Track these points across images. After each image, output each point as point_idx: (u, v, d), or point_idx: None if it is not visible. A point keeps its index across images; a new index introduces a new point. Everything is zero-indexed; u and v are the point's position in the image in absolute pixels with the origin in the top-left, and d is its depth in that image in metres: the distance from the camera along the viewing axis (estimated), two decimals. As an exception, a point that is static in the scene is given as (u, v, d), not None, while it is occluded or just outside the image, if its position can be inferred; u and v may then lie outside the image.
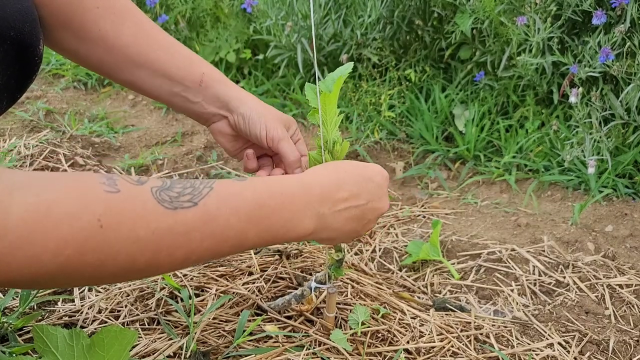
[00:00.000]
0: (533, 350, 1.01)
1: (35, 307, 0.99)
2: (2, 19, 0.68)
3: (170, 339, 0.92)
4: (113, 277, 0.55)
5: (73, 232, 0.49)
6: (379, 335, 0.98)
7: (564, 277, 1.22)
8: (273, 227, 0.65)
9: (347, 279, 1.13)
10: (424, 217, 1.49)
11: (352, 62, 0.86)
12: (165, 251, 0.56)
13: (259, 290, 1.06)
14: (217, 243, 0.60)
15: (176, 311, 0.99)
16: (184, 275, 1.08)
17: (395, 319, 1.03)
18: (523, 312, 1.13)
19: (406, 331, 1.00)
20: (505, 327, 1.07)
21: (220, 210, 0.59)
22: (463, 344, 0.99)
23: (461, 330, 1.03)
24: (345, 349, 0.91)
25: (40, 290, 0.99)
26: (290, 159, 0.86)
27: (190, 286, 1.04)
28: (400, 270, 1.26)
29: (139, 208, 0.54)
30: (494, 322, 1.09)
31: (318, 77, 0.85)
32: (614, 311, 1.13)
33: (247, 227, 0.62)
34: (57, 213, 0.48)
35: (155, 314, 0.98)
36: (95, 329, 0.95)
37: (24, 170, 0.54)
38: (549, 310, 1.14)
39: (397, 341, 0.97)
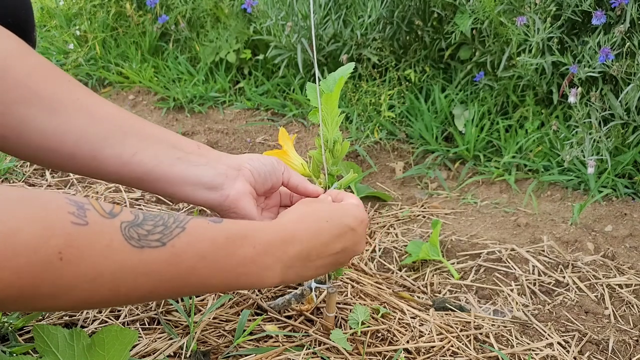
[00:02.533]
0: (533, 350, 1.01)
1: (35, 307, 1.00)
2: (2, 6, 0.71)
3: (171, 338, 0.93)
4: (64, 309, 0.53)
5: (30, 265, 0.47)
6: (379, 335, 0.99)
7: (564, 277, 1.22)
8: (239, 278, 0.63)
9: (347, 278, 1.13)
10: (424, 217, 1.49)
11: (354, 63, 0.86)
12: (123, 290, 0.54)
13: (259, 290, 1.06)
14: (177, 286, 0.59)
15: (176, 311, 0.99)
16: (184, 275, 1.08)
17: (395, 318, 1.03)
18: (523, 311, 1.13)
19: (406, 331, 1.01)
20: (505, 326, 1.07)
21: (187, 254, 0.58)
22: (463, 344, 1.00)
23: (461, 330, 1.03)
24: (345, 349, 0.92)
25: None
26: (304, 182, 0.83)
27: (191, 286, 1.04)
28: (400, 270, 1.27)
29: (104, 245, 0.52)
30: (493, 321, 1.09)
31: (318, 77, 0.85)
32: (613, 311, 1.13)
33: (212, 274, 0.61)
34: (16, 244, 0.47)
35: (156, 314, 0.98)
36: (95, 328, 0.95)
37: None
38: (548, 310, 1.14)
39: (397, 341, 0.98)
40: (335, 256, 0.74)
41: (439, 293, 1.19)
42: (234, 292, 1.04)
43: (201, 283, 0.60)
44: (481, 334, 1.04)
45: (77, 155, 0.69)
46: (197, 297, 1.03)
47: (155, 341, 0.92)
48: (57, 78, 0.68)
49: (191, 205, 1.40)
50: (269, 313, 0.99)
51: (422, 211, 1.51)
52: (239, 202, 0.77)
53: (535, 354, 1.00)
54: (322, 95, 0.84)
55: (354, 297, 1.08)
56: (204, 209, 1.39)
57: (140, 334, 0.94)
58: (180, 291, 0.60)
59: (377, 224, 1.45)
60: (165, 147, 0.73)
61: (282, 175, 0.82)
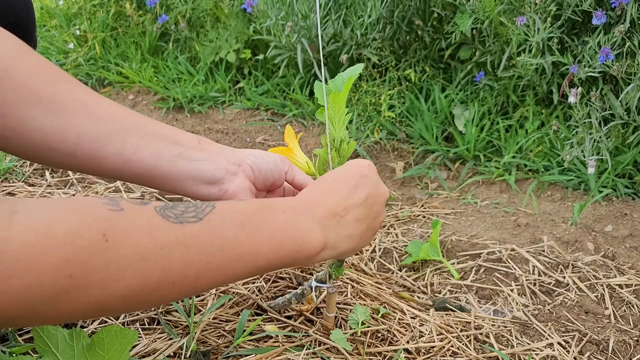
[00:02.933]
0: (533, 350, 1.01)
1: (35, 307, 0.99)
2: (1, 5, 0.71)
3: (171, 338, 0.93)
4: (120, 301, 0.51)
5: (76, 251, 0.47)
6: (379, 335, 0.99)
7: (564, 277, 1.22)
8: (284, 243, 0.63)
9: (347, 278, 1.13)
10: (424, 217, 1.49)
11: (362, 64, 0.87)
12: (176, 267, 0.53)
13: (259, 290, 1.06)
14: (228, 260, 0.58)
15: (176, 311, 0.99)
16: (184, 275, 1.08)
17: (395, 318, 1.03)
18: (523, 312, 1.13)
19: (406, 331, 1.01)
20: (505, 327, 1.07)
21: (226, 225, 0.58)
22: (463, 344, 1.00)
23: (461, 330, 1.03)
24: (345, 349, 0.91)
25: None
26: (308, 180, 0.84)
27: (191, 286, 1.04)
28: (400, 270, 1.26)
29: (144, 223, 0.52)
30: (493, 322, 1.09)
31: (325, 76, 0.85)
32: (613, 311, 1.13)
33: (256, 242, 0.60)
34: (58, 233, 0.46)
35: (156, 314, 0.98)
36: (95, 328, 0.95)
37: (24, 199, 0.51)
38: (548, 310, 1.14)
39: (397, 341, 0.98)
40: (364, 206, 0.73)
41: (439, 293, 1.19)
42: (233, 292, 1.04)
43: (251, 254, 0.60)
44: (481, 334, 1.04)
45: (78, 154, 0.69)
46: (196, 297, 1.03)
47: (155, 341, 0.92)
48: (57, 78, 0.69)
49: (191, 205, 1.40)
50: (268, 313, 0.99)
51: (422, 211, 1.51)
52: (237, 196, 0.79)
53: (536, 354, 1.00)
54: (329, 95, 0.84)
55: (354, 297, 1.08)
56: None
57: (140, 334, 0.94)
58: (234, 267, 0.59)
59: (377, 224, 1.44)
60: (166, 144, 0.74)
61: (286, 174, 0.83)
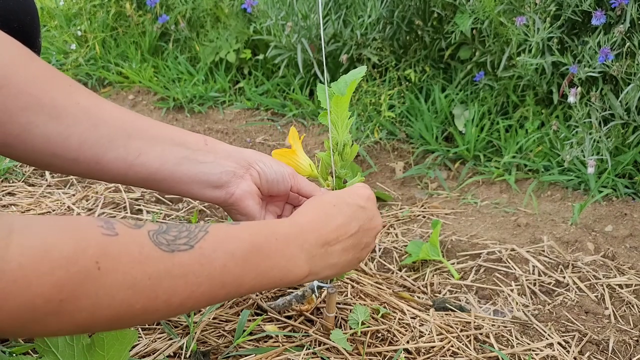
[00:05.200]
0: (533, 350, 1.01)
1: (35, 307, 0.99)
2: (6, 10, 0.72)
3: (171, 338, 0.93)
4: (107, 323, 0.53)
5: (69, 276, 0.48)
6: (379, 335, 0.99)
7: (564, 277, 1.22)
8: (270, 272, 0.64)
9: (347, 279, 1.13)
10: (424, 217, 1.49)
11: (365, 67, 0.86)
12: (162, 297, 0.55)
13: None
14: (213, 288, 0.59)
15: (176, 311, 0.99)
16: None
17: (395, 318, 1.03)
18: (523, 312, 1.13)
19: (406, 331, 1.01)
20: (505, 327, 1.07)
21: (217, 253, 0.59)
22: (463, 344, 1.00)
23: (461, 330, 1.03)
24: (345, 349, 0.92)
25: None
26: (314, 191, 0.84)
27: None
28: (400, 270, 1.26)
29: (136, 252, 0.53)
30: (493, 322, 1.09)
31: (325, 79, 0.85)
32: (613, 311, 1.13)
33: (244, 271, 0.61)
34: (54, 257, 0.47)
35: (156, 314, 0.98)
36: (95, 328, 0.95)
37: (20, 216, 0.52)
38: (548, 310, 1.14)
39: (397, 341, 0.98)
40: (354, 237, 0.75)
41: (439, 293, 1.19)
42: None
43: (236, 282, 0.61)
44: (481, 334, 1.04)
45: (81, 160, 0.69)
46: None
47: (155, 341, 0.92)
48: (58, 83, 0.68)
49: (191, 205, 1.40)
50: (268, 313, 0.99)
51: (422, 211, 1.51)
52: (242, 201, 0.78)
53: (536, 354, 1.00)
54: (332, 98, 0.83)
55: (354, 297, 1.08)
56: (203, 209, 1.39)
57: (140, 334, 0.94)
58: (218, 293, 0.60)
59: (377, 224, 1.44)
60: (170, 146, 0.73)
61: (290, 189, 0.83)
